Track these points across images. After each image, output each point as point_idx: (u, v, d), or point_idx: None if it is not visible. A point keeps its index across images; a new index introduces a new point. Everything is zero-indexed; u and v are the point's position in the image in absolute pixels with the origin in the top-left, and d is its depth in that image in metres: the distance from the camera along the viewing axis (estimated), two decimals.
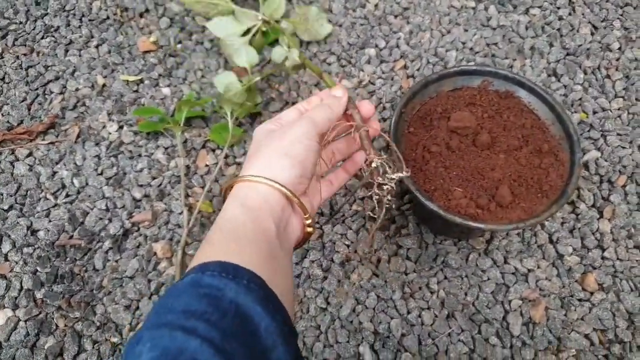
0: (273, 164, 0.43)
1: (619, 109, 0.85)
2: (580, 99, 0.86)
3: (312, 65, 0.64)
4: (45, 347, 0.68)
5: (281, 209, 0.43)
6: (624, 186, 0.78)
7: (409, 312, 0.70)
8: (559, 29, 0.94)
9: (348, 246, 0.75)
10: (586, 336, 0.68)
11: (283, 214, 0.43)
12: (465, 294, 0.71)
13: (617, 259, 0.73)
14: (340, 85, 0.51)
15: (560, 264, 0.73)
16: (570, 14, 0.96)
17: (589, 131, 0.83)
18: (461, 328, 0.69)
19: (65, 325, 0.70)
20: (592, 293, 0.71)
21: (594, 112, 0.85)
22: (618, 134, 0.82)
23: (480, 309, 0.70)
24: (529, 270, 0.72)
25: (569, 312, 0.69)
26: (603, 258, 0.73)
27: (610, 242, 0.74)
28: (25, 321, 0.70)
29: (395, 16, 0.97)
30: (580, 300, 0.70)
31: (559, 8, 0.97)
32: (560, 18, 0.95)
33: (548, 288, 0.71)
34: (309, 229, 0.46)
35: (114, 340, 0.69)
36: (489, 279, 0.72)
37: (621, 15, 0.95)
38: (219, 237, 0.39)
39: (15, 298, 0.72)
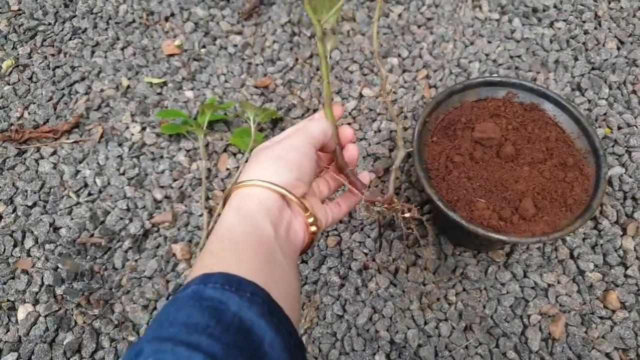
0: (268, 168, 0.43)
1: None
2: (604, 113, 0.85)
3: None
4: (64, 343, 0.69)
5: (278, 210, 0.42)
6: None
7: (426, 323, 0.69)
8: (584, 43, 0.93)
9: (366, 254, 0.74)
10: (607, 355, 0.67)
11: (281, 216, 0.42)
12: (484, 307, 0.70)
13: None
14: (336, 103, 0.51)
15: (581, 280, 0.72)
16: (596, 28, 0.95)
17: (613, 147, 0.82)
18: (479, 341, 0.68)
19: (84, 322, 0.71)
20: (614, 311, 0.69)
21: (619, 128, 0.84)
22: None
23: (499, 322, 0.69)
24: (549, 285, 0.71)
25: (590, 329, 0.68)
26: (626, 276, 0.72)
27: (633, 260, 0.72)
28: (45, 317, 0.71)
29: (419, 26, 0.97)
30: (601, 317, 0.69)
31: (584, 22, 0.96)
32: (586, 32, 0.95)
33: (568, 304, 0.70)
34: (313, 229, 0.45)
35: (132, 339, 0.70)
36: (508, 292, 0.71)
37: None
38: (217, 247, 0.39)
39: (36, 293, 0.73)
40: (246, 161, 0.81)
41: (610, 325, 0.68)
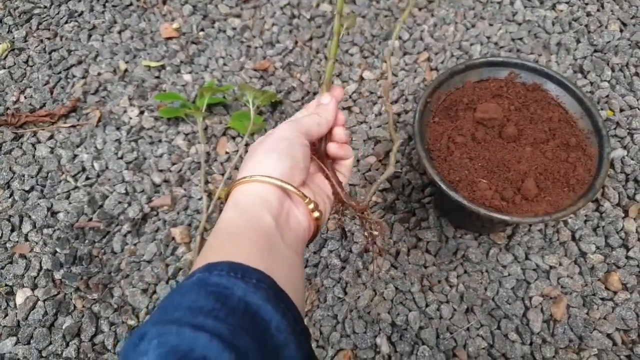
0: (261, 161, 0.43)
1: None
2: (607, 96, 0.84)
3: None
4: (63, 327, 0.69)
5: (278, 201, 0.42)
6: None
7: (427, 305, 0.69)
8: (586, 25, 0.92)
9: (367, 237, 0.74)
10: (608, 336, 0.66)
11: (281, 207, 0.42)
12: (485, 289, 0.70)
13: None
14: (328, 92, 0.49)
15: (582, 262, 0.71)
16: (598, 10, 0.94)
17: (615, 129, 0.81)
18: (480, 323, 0.68)
19: (83, 307, 0.70)
20: (615, 292, 0.69)
21: (621, 110, 0.83)
22: None
23: (500, 304, 0.69)
24: (551, 267, 0.71)
25: (591, 310, 0.68)
26: (627, 257, 0.71)
27: (635, 242, 0.72)
28: (44, 301, 0.71)
29: (420, 9, 0.96)
30: (602, 299, 0.69)
31: (587, 4, 0.95)
32: (589, 14, 0.94)
33: (570, 286, 0.70)
34: (316, 214, 0.44)
35: (131, 323, 0.69)
36: (509, 274, 0.71)
37: None
38: (217, 241, 0.39)
39: (35, 278, 0.73)
40: (245, 144, 0.81)
41: (612, 306, 0.68)
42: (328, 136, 0.50)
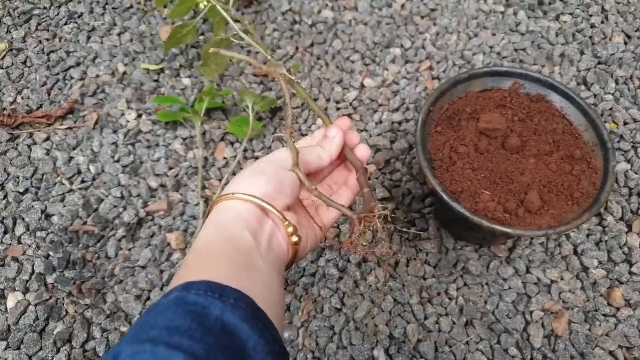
0: (246, 181, 0.43)
1: None
2: (610, 108, 0.83)
3: (302, 91, 0.54)
4: (54, 333, 0.67)
5: (257, 221, 0.41)
6: None
7: (426, 318, 0.68)
8: (590, 37, 0.91)
9: (364, 246, 0.72)
10: (611, 353, 0.65)
11: (260, 227, 0.42)
12: (485, 302, 0.69)
13: None
14: (335, 125, 0.49)
15: (584, 277, 0.70)
16: (602, 22, 0.94)
17: (618, 142, 0.80)
18: (480, 337, 0.66)
19: (75, 312, 0.69)
20: (618, 308, 0.68)
21: (625, 123, 0.82)
22: None
23: (500, 318, 0.67)
24: (552, 281, 0.70)
25: (593, 326, 0.67)
26: (630, 273, 0.70)
27: (638, 257, 0.71)
28: (35, 305, 0.69)
29: (422, 17, 0.95)
30: (605, 315, 0.68)
31: (591, 15, 0.94)
32: (593, 26, 0.93)
33: (572, 301, 0.68)
34: (294, 239, 0.44)
35: (124, 329, 0.68)
36: (510, 288, 0.70)
37: None
38: (193, 259, 0.38)
39: (26, 281, 0.71)
40: (244, 150, 0.80)
41: (615, 322, 0.67)
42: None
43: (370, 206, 0.47)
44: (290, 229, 0.43)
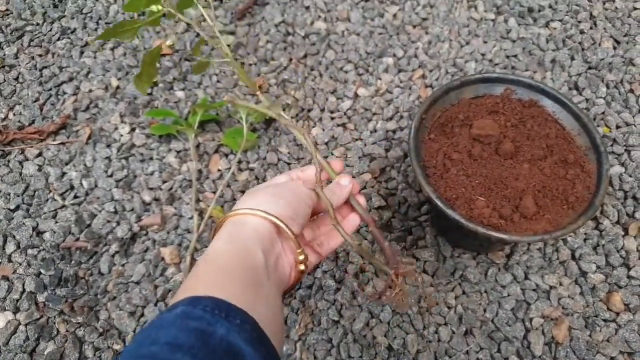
0: (264, 201, 0.43)
1: None
2: (602, 112, 0.84)
3: (292, 125, 0.61)
4: (45, 353, 0.66)
5: (270, 240, 0.42)
6: None
7: (425, 328, 0.67)
8: (580, 43, 0.92)
9: (362, 257, 0.72)
10: (612, 359, 0.64)
11: (272, 247, 0.42)
12: (484, 310, 0.68)
13: None
14: (347, 175, 0.52)
15: (583, 282, 0.70)
16: (591, 28, 0.94)
17: (612, 146, 0.80)
18: (480, 346, 0.65)
19: (67, 331, 0.68)
20: (617, 313, 0.67)
21: (617, 127, 0.82)
22: None
23: (500, 326, 0.67)
24: (551, 287, 0.69)
25: (594, 332, 0.66)
26: (629, 277, 0.70)
27: (636, 261, 0.70)
28: (26, 325, 0.68)
29: (414, 26, 0.96)
30: (605, 320, 0.67)
31: (580, 22, 0.95)
32: (582, 32, 0.94)
33: (571, 306, 0.68)
34: (301, 267, 0.45)
35: (117, 347, 0.66)
36: (509, 295, 0.69)
37: None
38: (204, 269, 0.38)
39: (17, 301, 0.70)
40: (238, 162, 0.80)
41: (615, 328, 0.66)
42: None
43: (395, 261, 0.51)
44: (302, 257, 0.45)
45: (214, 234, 0.43)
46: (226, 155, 0.82)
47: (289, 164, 0.80)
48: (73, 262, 0.73)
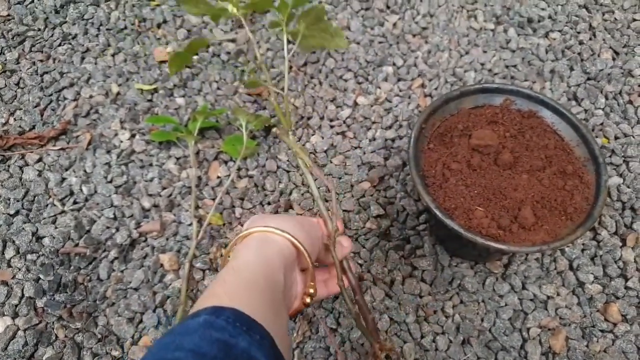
0: (291, 225, 0.44)
1: None
2: (601, 123, 0.84)
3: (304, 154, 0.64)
4: (44, 359, 0.66)
5: (291, 264, 0.44)
6: None
7: (422, 337, 0.67)
8: (579, 53, 0.93)
9: (361, 265, 0.72)
10: None
11: (291, 271, 0.44)
12: (482, 320, 0.68)
13: None
14: (347, 239, 0.55)
15: (581, 292, 0.70)
16: (590, 39, 0.95)
17: (610, 157, 0.81)
18: (477, 355, 0.65)
19: (66, 336, 0.68)
20: (615, 324, 0.67)
21: (616, 138, 0.83)
22: None
23: (497, 335, 0.67)
24: (549, 297, 0.69)
25: (591, 343, 0.66)
26: (626, 288, 0.70)
27: (634, 272, 0.71)
28: (25, 330, 0.68)
29: (414, 35, 0.96)
30: (602, 331, 0.67)
31: (579, 33, 0.96)
32: (581, 42, 0.94)
33: (568, 317, 0.68)
34: (307, 300, 0.47)
35: (115, 353, 0.66)
36: (506, 304, 0.69)
37: None
38: (232, 279, 0.39)
39: (16, 306, 0.70)
40: (238, 169, 0.80)
41: (612, 338, 0.66)
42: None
43: (377, 336, 0.54)
44: (312, 290, 0.47)
45: (236, 242, 0.44)
46: (225, 163, 0.82)
47: (288, 171, 0.81)
48: (72, 267, 0.73)
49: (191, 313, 0.36)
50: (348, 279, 0.56)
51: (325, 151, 0.83)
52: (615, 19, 0.98)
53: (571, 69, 0.91)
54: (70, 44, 0.96)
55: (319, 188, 0.62)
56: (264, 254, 0.42)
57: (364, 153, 0.82)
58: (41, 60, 0.94)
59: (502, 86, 0.69)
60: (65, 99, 0.89)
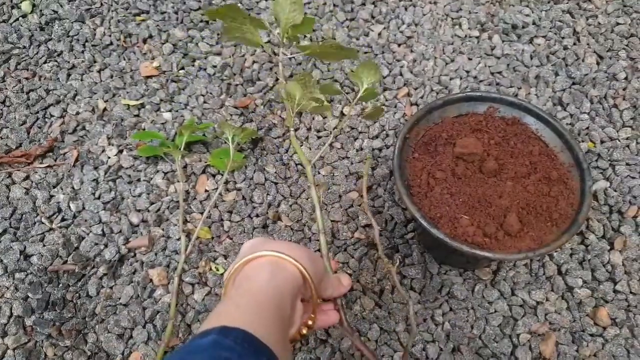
0: (297, 253, 0.45)
1: (627, 139, 0.83)
2: (587, 128, 0.85)
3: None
4: None
5: (298, 293, 0.44)
6: (635, 217, 0.76)
7: (413, 345, 0.67)
8: (564, 58, 0.93)
9: (350, 275, 0.72)
10: None
11: (296, 300, 0.45)
12: (472, 327, 0.68)
13: (630, 292, 0.70)
14: (348, 277, 0.55)
15: (570, 297, 0.70)
16: (575, 44, 0.96)
17: (596, 161, 0.81)
18: None
19: (55, 355, 0.67)
20: (604, 328, 0.68)
21: (602, 142, 0.83)
22: (627, 164, 0.80)
23: (487, 342, 0.67)
24: (538, 303, 0.70)
25: (581, 347, 0.66)
26: (615, 291, 0.70)
27: (622, 275, 0.71)
28: (14, 349, 0.68)
29: (399, 44, 0.97)
30: (592, 335, 0.67)
31: (563, 38, 0.97)
32: (565, 48, 0.95)
33: (558, 322, 0.68)
34: (305, 330, 0.47)
35: None
36: (496, 311, 0.69)
37: (627, 45, 0.95)
38: (245, 301, 0.40)
39: (5, 325, 0.70)
40: (225, 182, 0.80)
41: (602, 342, 0.66)
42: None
43: None
44: (311, 322, 0.48)
45: (249, 261, 0.45)
46: (213, 176, 0.82)
47: (275, 183, 0.81)
48: (61, 285, 0.73)
49: (200, 332, 0.36)
50: (340, 318, 0.56)
51: (313, 163, 0.83)
52: (599, 23, 0.99)
53: (556, 74, 0.92)
54: (55, 61, 0.96)
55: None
56: (277, 280, 0.42)
57: (352, 163, 0.82)
58: (27, 78, 0.94)
59: (486, 94, 0.69)
60: (51, 116, 0.89)
